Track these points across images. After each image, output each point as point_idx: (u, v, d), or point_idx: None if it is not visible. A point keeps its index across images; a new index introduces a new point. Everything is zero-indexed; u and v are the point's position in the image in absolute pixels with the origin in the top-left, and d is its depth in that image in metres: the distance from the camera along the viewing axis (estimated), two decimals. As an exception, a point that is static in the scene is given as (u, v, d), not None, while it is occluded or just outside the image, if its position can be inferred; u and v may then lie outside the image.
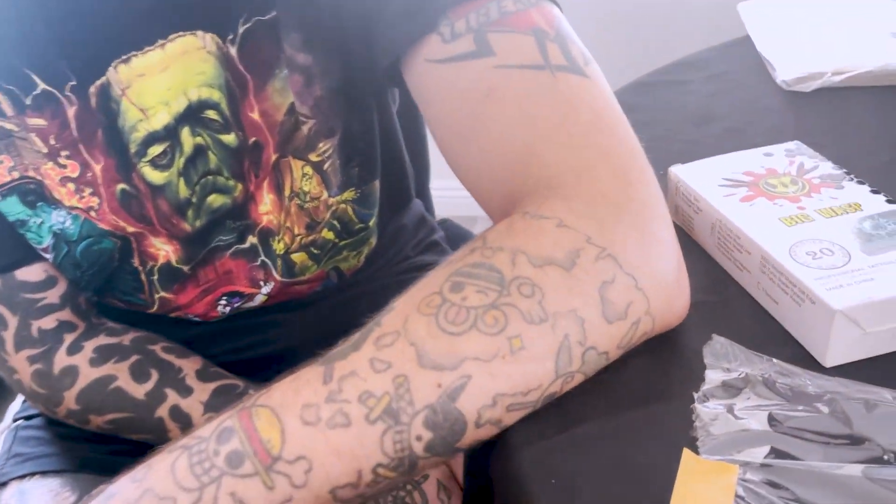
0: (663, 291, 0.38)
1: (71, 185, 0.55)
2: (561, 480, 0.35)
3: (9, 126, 0.52)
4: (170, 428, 0.59)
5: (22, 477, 0.61)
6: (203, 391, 0.60)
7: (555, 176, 0.40)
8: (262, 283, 0.64)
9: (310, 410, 0.34)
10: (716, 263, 0.47)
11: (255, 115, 0.55)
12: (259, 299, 0.65)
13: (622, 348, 0.38)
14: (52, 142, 0.53)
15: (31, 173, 0.54)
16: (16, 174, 0.53)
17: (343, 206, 0.63)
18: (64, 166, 0.54)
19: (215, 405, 0.59)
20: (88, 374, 0.59)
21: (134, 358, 0.60)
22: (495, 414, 0.35)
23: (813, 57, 0.70)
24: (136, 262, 0.60)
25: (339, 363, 0.36)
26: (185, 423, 0.59)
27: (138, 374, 0.59)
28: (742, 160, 0.50)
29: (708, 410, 0.36)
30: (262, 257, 0.62)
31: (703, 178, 0.49)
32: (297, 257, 0.63)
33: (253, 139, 0.56)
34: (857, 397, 0.36)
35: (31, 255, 0.57)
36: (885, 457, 0.33)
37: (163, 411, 0.59)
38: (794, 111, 0.64)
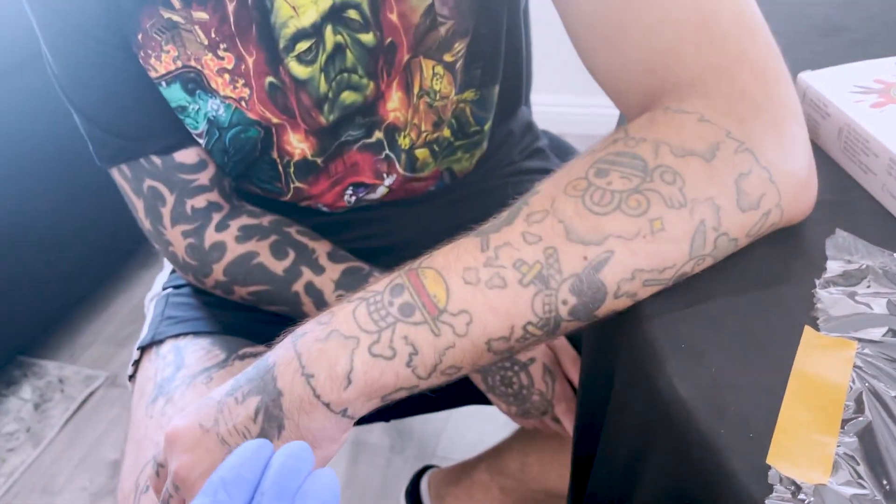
0: (794, 186, 0.41)
1: (227, 76, 0.60)
2: (689, 346, 0.39)
3: (176, 18, 0.57)
4: (304, 302, 0.66)
5: (176, 336, 0.69)
6: (334, 271, 0.66)
7: (696, 75, 0.42)
8: (385, 175, 0.68)
9: (470, 272, 0.39)
10: (840, 168, 0.49)
11: (394, 17, 0.58)
12: (381, 191, 0.70)
13: (751, 237, 0.41)
14: (213, 35, 0.58)
15: (192, 63, 0.59)
16: (179, 63, 0.59)
17: (462, 105, 0.66)
18: (222, 58, 0.59)
19: (345, 284, 0.66)
20: (235, 250, 0.66)
21: (273, 238, 0.66)
22: (633, 287, 0.39)
23: (949, -31, 0.69)
24: (274, 154, 0.65)
25: (494, 235, 0.40)
26: (318, 299, 0.66)
27: (277, 252, 0.66)
28: (873, 68, 0.51)
29: (829, 295, 0.40)
30: (387, 151, 0.67)
31: (833, 84, 0.50)
32: (420, 153, 0.68)
33: (389, 39, 0.59)
34: (976, 290, 0.39)
35: (188, 139, 0.63)
36: None
37: (298, 286, 0.65)
38: (926, 24, 0.63)
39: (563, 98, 1.90)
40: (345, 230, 0.74)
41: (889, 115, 0.47)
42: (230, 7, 0.57)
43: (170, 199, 0.65)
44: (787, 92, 0.42)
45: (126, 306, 1.63)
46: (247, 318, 0.70)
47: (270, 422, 0.39)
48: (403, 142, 0.66)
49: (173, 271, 0.77)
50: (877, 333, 0.37)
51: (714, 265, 0.42)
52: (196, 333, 0.68)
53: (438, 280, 0.39)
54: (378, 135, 0.66)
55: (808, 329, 0.38)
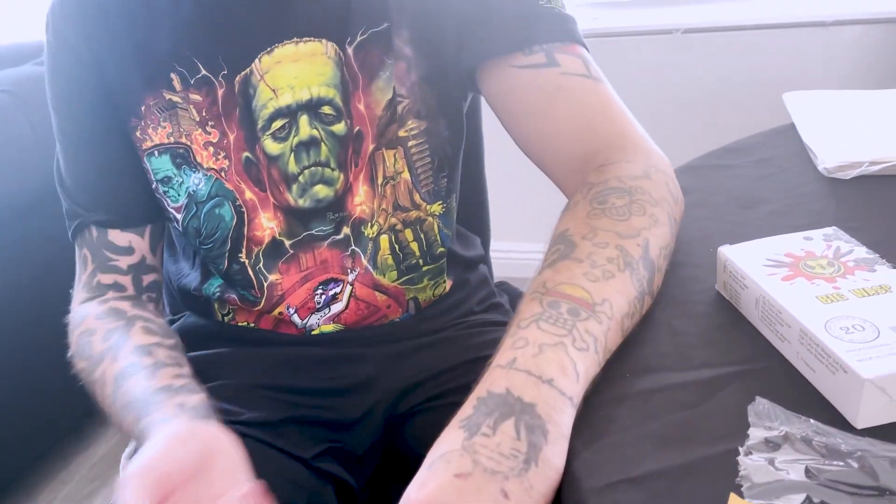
0: (671, 173, 0.64)
1: (210, 149, 0.71)
2: (623, 516, 0.41)
3: (176, 98, 0.70)
4: (102, 393, 0.66)
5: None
6: (135, 368, 0.66)
7: (605, 139, 0.66)
8: (349, 270, 0.75)
9: (589, 274, 0.51)
10: (759, 334, 0.53)
11: (361, 106, 0.71)
12: (347, 290, 0.76)
13: (678, 222, 0.62)
14: (204, 114, 0.70)
15: (183, 139, 0.70)
16: (172, 139, 0.70)
17: (431, 220, 0.77)
18: (209, 133, 0.70)
19: (130, 392, 0.64)
20: (87, 323, 0.72)
21: (121, 322, 0.71)
22: (662, 263, 0.57)
23: (853, 146, 0.77)
24: (243, 255, 0.73)
25: (574, 254, 0.53)
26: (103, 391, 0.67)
27: (109, 334, 0.70)
28: (784, 243, 0.57)
29: (751, 462, 0.42)
30: (353, 246, 0.75)
31: (749, 258, 0.55)
32: (383, 240, 0.75)
33: (357, 128, 0.71)
34: (884, 455, 0.41)
35: (127, 223, 0.74)
36: (907, 507, 0.38)
37: (99, 373, 0.67)
38: (834, 197, 0.70)
39: (520, 245, 2.02)
40: (307, 369, 0.76)
41: (799, 287, 0.51)
42: (220, 92, 0.70)
43: (89, 267, 0.74)
44: (649, 139, 0.67)
45: (84, 465, 1.59)
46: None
47: (534, 431, 0.42)
48: (370, 231, 0.74)
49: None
50: (796, 500, 0.39)
51: (645, 428, 0.44)
52: None
53: (575, 287, 0.50)
54: (346, 230, 0.74)
55: (733, 496, 0.40)
